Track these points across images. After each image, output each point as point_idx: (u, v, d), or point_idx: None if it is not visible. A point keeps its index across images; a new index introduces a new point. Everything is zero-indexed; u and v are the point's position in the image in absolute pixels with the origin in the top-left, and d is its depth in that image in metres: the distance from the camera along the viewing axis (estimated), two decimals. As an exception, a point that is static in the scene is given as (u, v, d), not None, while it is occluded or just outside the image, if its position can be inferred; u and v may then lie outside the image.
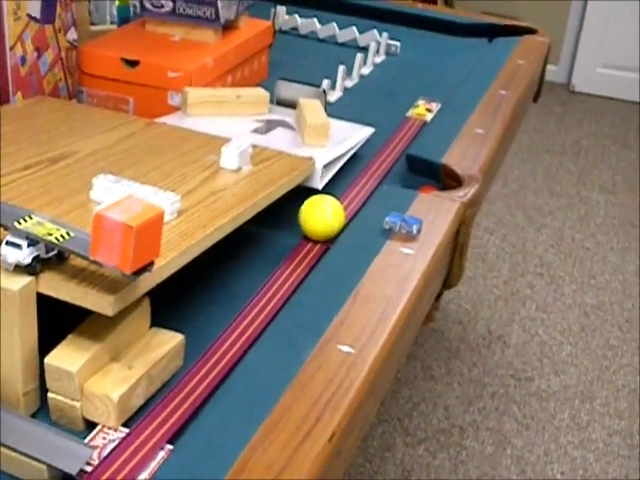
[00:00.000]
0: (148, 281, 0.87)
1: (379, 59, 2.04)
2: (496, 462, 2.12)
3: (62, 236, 0.81)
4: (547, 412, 2.32)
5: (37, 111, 1.36)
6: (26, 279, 0.83)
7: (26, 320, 0.85)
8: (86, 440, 0.84)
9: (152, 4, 1.63)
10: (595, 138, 4.03)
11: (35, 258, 0.83)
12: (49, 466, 0.80)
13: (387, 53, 2.09)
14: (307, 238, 1.23)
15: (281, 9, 2.12)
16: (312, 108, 1.48)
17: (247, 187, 1.15)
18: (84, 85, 1.56)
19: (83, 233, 0.83)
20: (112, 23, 1.81)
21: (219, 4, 1.60)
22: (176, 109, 1.52)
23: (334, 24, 2.12)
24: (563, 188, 3.54)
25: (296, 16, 2.14)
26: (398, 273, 1.16)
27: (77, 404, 0.87)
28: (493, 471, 2.09)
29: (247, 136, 1.39)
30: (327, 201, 1.23)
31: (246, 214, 1.09)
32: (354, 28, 2.11)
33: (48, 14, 1.43)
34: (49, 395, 0.88)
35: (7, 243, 0.83)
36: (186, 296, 1.08)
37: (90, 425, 0.87)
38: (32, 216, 0.84)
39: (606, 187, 3.59)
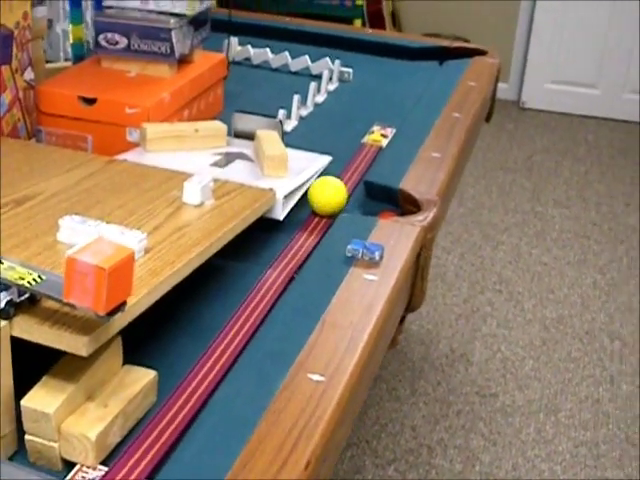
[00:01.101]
0: (121, 320, 0.88)
1: (332, 86, 2.07)
2: (465, 479, 2.15)
3: (34, 279, 0.83)
4: (513, 427, 2.35)
5: (6, 152, 1.36)
6: (1, 323, 0.84)
7: (2, 364, 0.86)
8: (65, 481, 0.85)
9: (107, 41, 1.65)
10: (547, 153, 4.11)
11: (8, 302, 0.84)
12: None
13: (340, 80, 2.12)
14: (270, 267, 1.25)
15: (234, 40, 2.15)
16: (270, 140, 1.51)
17: (211, 221, 1.17)
18: (42, 124, 1.57)
19: (55, 275, 0.84)
20: (66, 60, 1.82)
21: (174, 39, 1.62)
22: (135, 145, 1.54)
23: (286, 53, 2.15)
24: (518, 204, 3.60)
25: (249, 47, 2.17)
26: (363, 300, 1.18)
27: (55, 445, 0.88)
28: (463, 488, 2.12)
29: (207, 170, 1.41)
30: (332, 181, 1.42)
31: (212, 248, 1.10)
32: (307, 57, 2.13)
33: (5, 55, 1.44)
34: (26, 437, 0.89)
35: (-15, 287, 0.84)
36: (157, 331, 1.09)
37: (68, 465, 0.88)
38: (3, 261, 0.85)
39: (560, 201, 3.66)
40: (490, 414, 2.39)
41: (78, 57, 1.79)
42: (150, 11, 1.64)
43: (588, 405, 2.46)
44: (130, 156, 1.46)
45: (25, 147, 1.43)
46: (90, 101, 1.55)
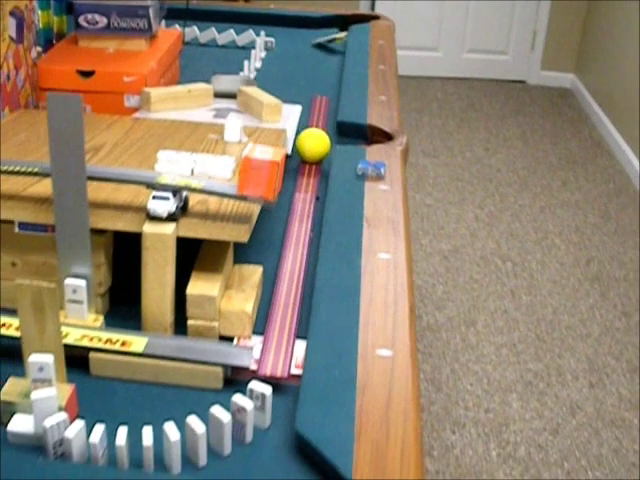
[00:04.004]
0: (256, 212, 1.11)
1: (262, 54, 2.31)
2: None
3: (197, 187, 1.04)
4: (442, 340, 2.68)
5: (33, 120, 1.52)
6: (172, 225, 1.05)
7: (173, 260, 1.06)
8: (237, 345, 1.07)
9: (87, 21, 1.82)
10: (405, 113, 4.48)
11: (177, 207, 1.05)
12: (224, 367, 1.02)
13: (266, 49, 2.36)
14: (295, 191, 1.49)
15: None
16: (257, 93, 1.74)
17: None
18: (42, 100, 1.73)
19: (209, 182, 1.06)
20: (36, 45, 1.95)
21: (151, 15, 1.82)
22: (132, 110, 1.72)
23: (213, 29, 2.37)
24: (393, 159, 3.94)
25: (176, 25, 2.37)
26: (387, 202, 1.45)
27: (216, 324, 1.10)
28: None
29: (214, 121, 1.62)
30: (317, 132, 1.61)
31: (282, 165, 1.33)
32: (232, 31, 2.36)
33: (20, 34, 1.59)
34: (189, 322, 1.09)
35: (154, 197, 1.04)
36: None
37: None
38: (163, 175, 1.06)
39: (428, 152, 4.03)
40: (420, 332, 2.71)
41: (48, 41, 1.94)
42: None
43: (499, 315, 2.83)
44: (138, 117, 1.65)
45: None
46: (88, 74, 1.72)
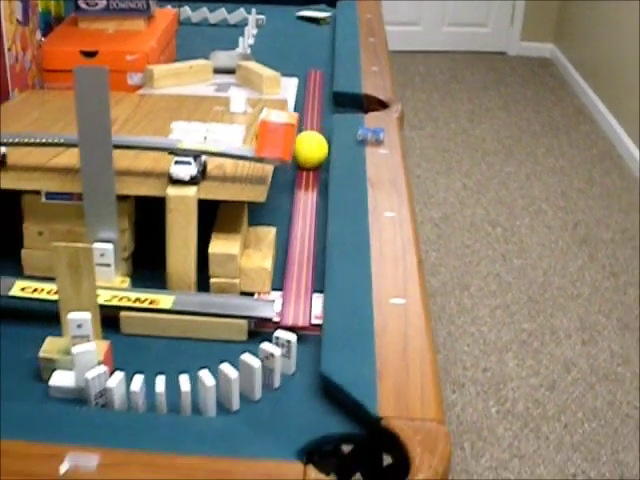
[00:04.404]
0: (271, 173, 1.17)
1: (254, 31, 2.36)
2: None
3: (217, 150, 1.10)
4: (437, 305, 2.76)
5: (42, 100, 1.58)
6: (194, 188, 1.11)
7: (195, 221, 1.13)
8: (258, 300, 1.14)
9: (87, 4, 1.86)
10: (389, 88, 4.53)
11: (198, 171, 1.11)
12: (248, 319, 1.08)
13: (257, 26, 2.41)
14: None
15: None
16: (256, 66, 1.79)
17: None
18: (47, 80, 1.78)
19: (228, 146, 1.12)
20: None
21: (149, -5, 1.87)
22: (135, 87, 1.78)
23: (205, 8, 2.41)
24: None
25: (169, 6, 2.41)
26: (389, 164, 1.51)
27: (237, 281, 1.16)
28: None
29: (232, 91, 1.68)
30: (313, 136, 1.52)
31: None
32: (223, 9, 2.41)
33: (26, 17, 1.64)
34: (212, 280, 1.16)
35: (176, 162, 1.10)
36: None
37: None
38: (183, 142, 1.12)
39: (414, 124, 4.10)
40: (416, 299, 2.77)
41: (47, 24, 1.98)
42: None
43: (491, 279, 2.91)
44: (143, 93, 1.71)
45: (59, 94, 1.65)
46: (90, 54, 1.77)
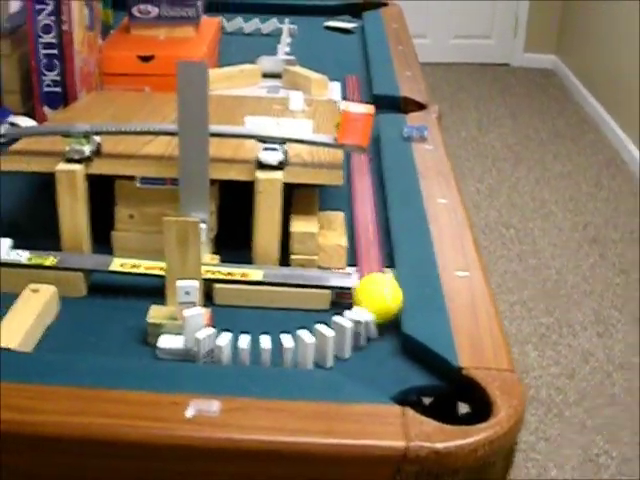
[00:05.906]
0: (342, 159, 1.30)
1: (288, 40, 2.49)
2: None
3: (303, 138, 1.23)
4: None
5: (109, 99, 1.70)
6: (280, 172, 1.24)
7: (281, 202, 1.25)
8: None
9: (140, 12, 1.99)
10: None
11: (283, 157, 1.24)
12: (331, 289, 1.20)
13: (290, 35, 2.54)
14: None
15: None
16: (303, 70, 1.92)
17: (327, 115, 1.58)
18: (106, 84, 1.90)
19: (311, 135, 1.25)
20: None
21: (199, 3, 2.00)
22: (189, 91, 1.90)
23: (240, 18, 2.55)
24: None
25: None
26: (434, 157, 1.64)
27: (316, 257, 1.28)
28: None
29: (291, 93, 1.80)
30: (384, 280, 1.17)
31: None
32: (257, 20, 2.54)
33: (92, 23, 1.77)
34: (292, 257, 1.27)
35: (265, 149, 1.22)
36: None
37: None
38: (271, 130, 1.24)
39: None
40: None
41: (105, 34, 2.11)
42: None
43: (509, 277, 3.03)
44: (201, 96, 1.83)
45: (121, 94, 1.77)
46: (147, 58, 1.89)
